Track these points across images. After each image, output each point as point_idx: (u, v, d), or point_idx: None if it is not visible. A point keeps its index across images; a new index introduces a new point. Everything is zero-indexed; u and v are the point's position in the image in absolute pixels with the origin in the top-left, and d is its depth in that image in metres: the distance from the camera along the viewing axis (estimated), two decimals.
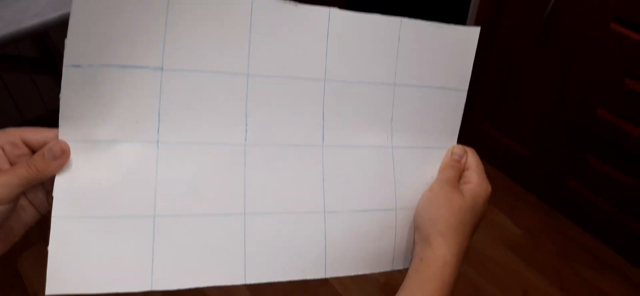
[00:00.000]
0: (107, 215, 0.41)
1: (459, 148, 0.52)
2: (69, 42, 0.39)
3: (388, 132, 0.50)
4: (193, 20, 0.42)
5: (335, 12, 0.46)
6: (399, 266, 0.50)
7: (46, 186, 0.41)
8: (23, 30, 1.04)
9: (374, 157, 0.49)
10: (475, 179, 0.50)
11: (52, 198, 0.40)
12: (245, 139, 0.45)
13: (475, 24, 1.52)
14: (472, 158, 0.52)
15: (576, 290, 1.49)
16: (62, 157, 0.39)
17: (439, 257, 0.44)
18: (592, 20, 1.24)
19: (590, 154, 1.45)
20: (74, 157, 0.40)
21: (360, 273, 0.48)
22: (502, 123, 1.66)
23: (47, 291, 0.38)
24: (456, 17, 1.54)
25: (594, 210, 1.53)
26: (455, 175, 0.50)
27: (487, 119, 1.70)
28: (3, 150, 0.38)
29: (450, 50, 0.50)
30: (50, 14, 0.94)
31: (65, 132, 0.40)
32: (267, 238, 0.45)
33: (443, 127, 0.52)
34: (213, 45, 0.43)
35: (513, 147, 1.66)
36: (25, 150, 0.40)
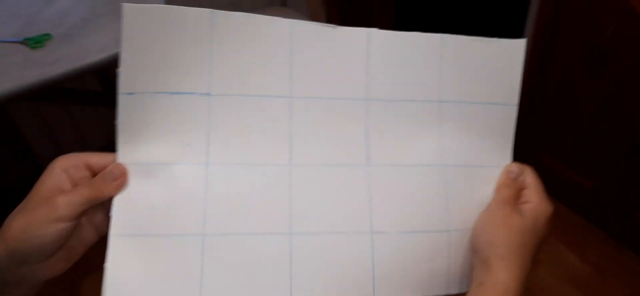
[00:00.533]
0: (160, 233, 0.43)
1: (516, 167, 0.49)
2: (122, 72, 0.42)
3: (436, 150, 0.49)
4: (236, 47, 0.44)
5: (374, 32, 0.47)
6: (454, 290, 0.48)
7: (105, 207, 0.43)
8: (88, 66, 1.09)
9: (423, 176, 0.48)
10: (535, 198, 0.48)
11: (109, 219, 0.42)
12: (290, 160, 0.46)
13: (531, 52, 1.46)
14: (530, 177, 0.49)
15: None
16: (120, 178, 0.42)
17: (500, 282, 0.42)
18: None
19: None
20: (130, 178, 0.43)
21: None
22: (563, 155, 1.59)
23: None
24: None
25: None
26: (513, 194, 0.48)
27: (546, 151, 1.63)
28: (67, 173, 0.41)
29: (495, 65, 0.49)
30: (113, 50, 0.99)
31: (123, 156, 0.43)
32: (313, 258, 0.45)
33: (495, 144, 0.50)
34: (256, 69, 0.45)
35: (576, 179, 1.58)
36: (87, 173, 0.43)
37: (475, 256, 0.46)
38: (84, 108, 1.85)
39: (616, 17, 1.22)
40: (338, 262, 0.45)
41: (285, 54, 0.45)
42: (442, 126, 0.49)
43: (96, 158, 0.42)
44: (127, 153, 0.43)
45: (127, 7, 0.41)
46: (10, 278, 0.39)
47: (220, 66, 0.44)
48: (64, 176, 0.41)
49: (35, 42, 0.98)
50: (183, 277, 0.43)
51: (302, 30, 0.45)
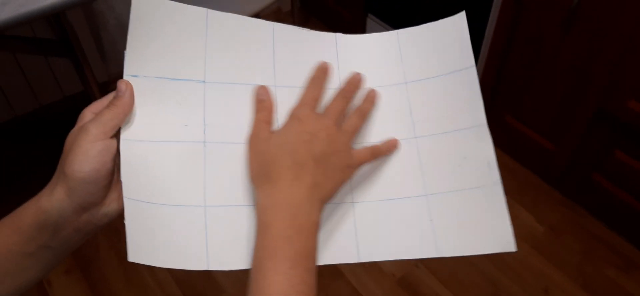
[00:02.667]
0: (166, 203, 0.47)
1: (262, 88, 0.52)
2: (128, 56, 0.47)
3: (409, 125, 0.53)
4: (227, 42, 0.51)
5: (340, 36, 0.54)
6: (444, 253, 0.50)
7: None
8: (38, 11, 1.03)
9: (400, 151, 0.53)
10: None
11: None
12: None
13: (500, 13, 1.46)
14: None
15: (599, 290, 1.44)
16: (127, 89, 0.46)
17: (257, 205, 0.46)
18: (623, 6, 1.19)
19: (618, 148, 1.40)
20: (132, 154, 0.46)
21: (396, 258, 0.50)
22: (525, 115, 1.61)
23: (129, 258, 0.44)
24: (480, 8, 1.49)
25: (620, 207, 1.48)
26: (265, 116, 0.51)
27: (509, 110, 1.65)
28: (95, 113, 0.46)
29: (446, 40, 0.54)
30: None
31: (126, 133, 0.46)
32: (371, 221, 0.51)
33: (466, 107, 0.53)
34: (245, 62, 0.51)
35: (536, 140, 1.61)
36: None
37: None
38: (36, 58, 1.75)
39: None
40: (397, 224, 0.51)
41: (269, 51, 0.52)
42: (411, 103, 0.54)
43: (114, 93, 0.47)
44: (130, 131, 0.46)
45: None
46: (68, 231, 0.43)
47: (213, 57, 0.50)
48: (90, 115, 0.45)
49: None
50: (191, 243, 0.47)
51: (284, 31, 0.53)
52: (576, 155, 1.52)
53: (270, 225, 0.43)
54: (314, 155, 0.46)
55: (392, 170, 0.53)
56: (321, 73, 0.52)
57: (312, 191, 0.45)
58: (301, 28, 0.54)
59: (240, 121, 0.51)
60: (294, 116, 0.49)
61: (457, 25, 0.54)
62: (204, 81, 0.50)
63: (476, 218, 0.51)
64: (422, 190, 0.52)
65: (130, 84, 0.47)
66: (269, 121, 0.50)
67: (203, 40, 0.50)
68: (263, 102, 0.51)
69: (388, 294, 1.37)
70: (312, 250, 0.43)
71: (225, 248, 0.48)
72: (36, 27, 1.70)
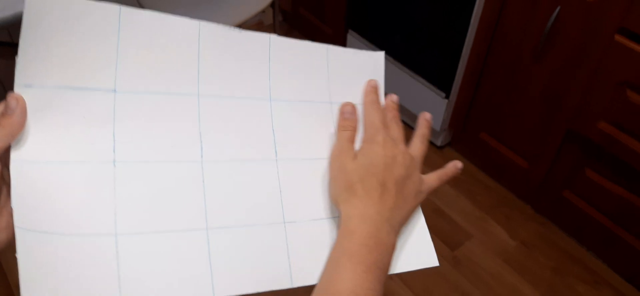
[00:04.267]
0: (66, 232, 0.40)
1: (349, 105, 0.53)
2: (20, 62, 0.39)
3: (330, 143, 0.52)
4: (144, 44, 0.44)
5: (274, 38, 0.50)
6: (298, 283, 0.47)
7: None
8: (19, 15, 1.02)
9: (260, 169, 0.50)
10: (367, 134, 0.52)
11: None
12: (202, 156, 0.46)
13: (476, 35, 1.50)
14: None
15: None
16: (18, 105, 0.39)
17: (344, 219, 0.46)
18: (595, 31, 1.23)
19: (589, 167, 1.44)
20: (27, 178, 0.39)
21: (250, 291, 0.46)
22: (499, 132, 1.65)
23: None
24: (459, 27, 1.53)
25: (590, 224, 1.51)
26: (349, 135, 0.51)
27: (485, 128, 1.68)
28: None
29: (366, 71, 0.55)
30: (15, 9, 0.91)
31: (18, 154, 0.39)
32: (231, 252, 0.45)
33: (325, 136, 0.53)
34: (164, 67, 0.45)
35: (510, 157, 1.65)
36: None
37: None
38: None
39: (561, 0, 1.27)
40: (256, 253, 0.46)
41: (193, 54, 0.46)
42: (334, 123, 0.53)
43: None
44: (24, 151, 0.39)
45: None
46: None
47: (126, 63, 0.43)
48: None
49: None
50: (97, 279, 0.40)
51: (210, 31, 0.47)
52: (549, 173, 1.55)
53: (354, 232, 0.44)
54: (395, 179, 0.47)
55: (322, 188, 0.50)
56: (376, 92, 0.54)
57: (393, 213, 0.46)
58: (232, 28, 0.48)
59: (157, 137, 0.44)
60: (374, 140, 0.49)
61: (376, 61, 0.56)
62: (115, 90, 0.43)
63: (322, 248, 0.49)
64: (280, 217, 0.49)
65: (21, 99, 0.39)
66: (353, 140, 0.50)
67: (114, 41, 0.43)
68: (348, 120, 0.51)
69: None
70: (386, 266, 0.44)
71: (142, 281, 0.41)
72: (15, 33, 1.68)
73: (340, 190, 0.47)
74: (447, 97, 1.67)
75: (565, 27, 1.28)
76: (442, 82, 1.67)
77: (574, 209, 1.54)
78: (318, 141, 0.52)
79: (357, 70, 0.55)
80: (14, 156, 0.39)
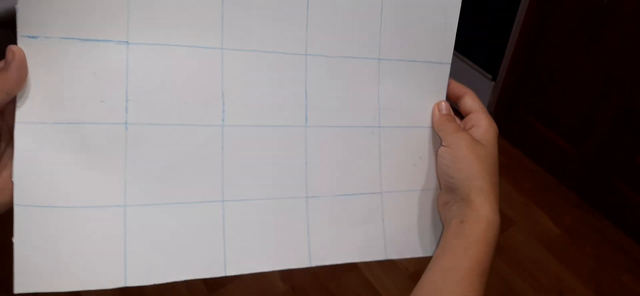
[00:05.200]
0: (72, 204, 0.37)
1: (444, 102, 0.49)
2: (21, 10, 0.35)
3: (374, 110, 0.47)
4: None
5: None
6: (392, 255, 0.47)
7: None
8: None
9: (359, 138, 0.46)
10: (483, 120, 0.47)
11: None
12: (223, 120, 0.42)
13: (528, 9, 1.45)
14: (474, 102, 0.48)
15: (613, 295, 1.44)
16: (15, 59, 0.35)
17: (483, 218, 0.42)
18: None
19: None
20: (33, 140, 0.37)
21: (348, 261, 0.45)
22: (546, 116, 1.60)
23: (15, 289, 0.36)
24: (508, 4, 1.48)
25: (638, 213, 1.47)
26: (458, 125, 0.47)
27: (530, 111, 1.64)
28: None
29: (433, 21, 0.47)
30: None
31: (23, 114, 0.36)
32: (247, 227, 0.42)
33: (429, 104, 0.49)
34: (183, 16, 0.40)
35: (556, 141, 1.60)
36: None
37: (451, 195, 0.46)
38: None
39: None
40: (273, 230, 0.43)
41: (216, 2, 0.40)
42: (380, 85, 0.46)
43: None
44: (27, 112, 0.36)
45: None
46: None
47: (141, 10, 0.38)
48: None
49: None
50: (103, 256, 0.38)
51: None
52: (596, 158, 1.51)
53: (487, 240, 0.42)
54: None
55: (351, 161, 0.46)
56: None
57: None
58: None
59: (174, 96, 0.40)
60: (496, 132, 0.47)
61: (450, 8, 0.47)
62: (128, 42, 0.38)
63: (420, 221, 0.48)
64: (378, 187, 0.47)
65: (21, 52, 0.36)
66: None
67: None
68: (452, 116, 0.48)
69: (400, 288, 1.39)
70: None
71: (149, 257, 0.39)
72: None
73: (480, 176, 0.43)
74: (494, 79, 1.63)
75: (621, 6, 1.23)
76: (489, 64, 1.63)
77: (622, 197, 1.49)
78: (356, 106, 0.46)
79: (422, 18, 0.47)
80: (19, 117, 0.36)
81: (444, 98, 0.49)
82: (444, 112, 0.48)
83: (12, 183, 0.37)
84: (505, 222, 1.59)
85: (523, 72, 1.59)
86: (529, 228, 1.58)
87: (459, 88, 0.49)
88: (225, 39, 0.41)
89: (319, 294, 1.35)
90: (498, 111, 1.73)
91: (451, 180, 0.45)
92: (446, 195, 0.46)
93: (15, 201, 0.36)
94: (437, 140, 0.48)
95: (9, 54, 0.35)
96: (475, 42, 1.64)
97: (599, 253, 1.53)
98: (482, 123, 0.47)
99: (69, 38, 0.37)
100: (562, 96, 1.51)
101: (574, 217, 1.61)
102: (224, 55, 0.41)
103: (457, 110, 0.50)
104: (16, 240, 0.36)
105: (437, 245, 0.46)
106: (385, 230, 0.47)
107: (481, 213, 0.42)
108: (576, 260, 1.51)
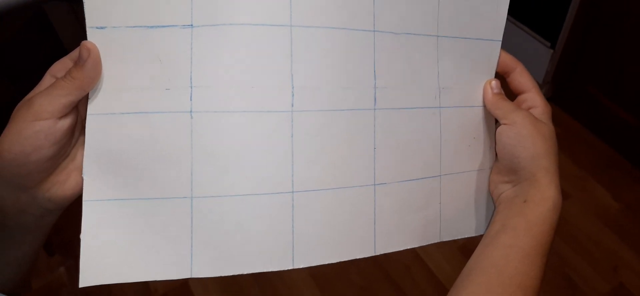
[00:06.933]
0: (140, 196, 0.38)
1: (495, 80, 0.47)
2: (88, 2, 0.36)
3: (434, 90, 0.45)
4: None
5: None
6: (447, 236, 0.47)
7: None
8: None
9: (422, 120, 0.45)
10: (539, 100, 0.46)
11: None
12: (292, 105, 0.39)
13: None
14: (525, 79, 0.47)
15: None
16: (90, 55, 0.36)
17: (549, 198, 0.41)
18: None
19: None
20: (103, 132, 0.37)
21: (408, 247, 0.45)
22: (608, 86, 1.53)
23: (80, 284, 0.37)
24: None
25: None
26: (515, 104, 0.46)
27: (591, 81, 1.56)
28: (55, 76, 0.38)
29: None
30: None
31: (94, 106, 0.37)
32: (316, 218, 0.41)
33: (481, 81, 0.48)
34: None
35: (620, 115, 1.53)
36: None
37: (515, 175, 0.44)
38: None
39: None
40: (342, 221, 0.42)
41: None
42: (439, 64, 0.45)
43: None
44: (97, 103, 0.37)
45: None
46: (11, 211, 0.37)
47: None
48: (50, 80, 0.37)
49: None
50: (171, 246, 0.38)
51: None
52: None
53: (549, 222, 0.42)
54: None
55: (415, 144, 0.45)
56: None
57: None
58: None
59: (240, 80, 0.38)
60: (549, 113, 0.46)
61: None
62: (192, 25, 0.37)
63: (474, 201, 0.48)
64: (438, 170, 0.46)
65: (95, 48, 0.36)
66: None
67: None
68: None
69: (449, 260, 1.38)
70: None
71: (217, 249, 0.39)
72: None
73: (544, 156, 0.43)
74: (552, 47, 1.56)
75: None
76: (547, 31, 1.56)
77: None
78: (419, 86, 0.44)
79: None
80: (90, 109, 0.37)
81: (494, 76, 0.48)
82: (496, 90, 0.47)
83: (80, 177, 0.38)
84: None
85: (583, 40, 1.51)
86: (586, 203, 1.52)
87: (509, 61, 0.48)
88: (294, 15, 0.39)
89: (369, 265, 1.36)
90: (557, 80, 1.66)
91: (516, 160, 0.44)
92: (505, 174, 0.46)
93: (85, 196, 0.37)
94: (490, 119, 0.48)
95: (83, 51, 0.36)
96: (534, 8, 1.57)
97: None
98: (538, 103, 0.46)
99: (135, 26, 0.37)
100: (625, 65, 1.43)
101: (636, 193, 1.54)
102: (292, 33, 0.39)
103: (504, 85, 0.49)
104: (84, 235, 0.37)
105: (489, 224, 0.45)
106: (441, 213, 0.47)
107: (547, 194, 0.41)
108: (635, 236, 1.45)
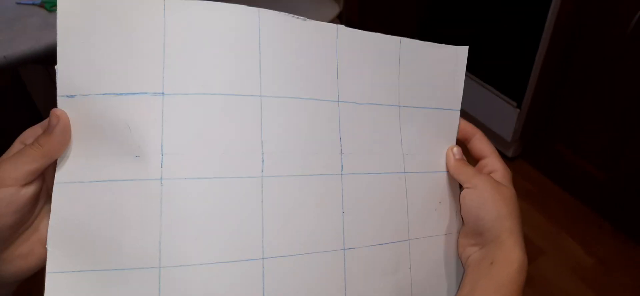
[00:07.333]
0: (107, 267, 0.36)
1: (456, 147, 0.50)
2: (60, 70, 0.36)
3: (399, 156, 0.47)
4: (194, 39, 0.38)
5: (342, 28, 0.44)
6: None
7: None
8: None
9: (388, 185, 0.46)
10: (499, 165, 0.48)
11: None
12: (262, 170, 0.40)
13: (552, 33, 1.45)
14: (484, 145, 0.50)
15: None
16: (59, 122, 0.36)
17: (515, 260, 0.42)
18: None
19: None
20: (70, 201, 0.36)
21: None
22: (576, 143, 1.58)
23: None
24: (532, 30, 1.48)
25: None
26: (475, 170, 0.48)
27: (558, 138, 1.62)
28: (24, 143, 0.38)
29: (443, 69, 0.49)
30: None
31: (62, 175, 0.36)
32: (287, 284, 0.40)
33: (443, 148, 0.50)
34: (219, 64, 0.39)
35: (587, 170, 1.57)
36: None
37: (480, 237, 0.45)
38: None
39: None
40: (312, 286, 0.41)
41: (254, 46, 0.40)
42: (402, 131, 0.47)
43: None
44: (65, 171, 0.36)
45: None
46: None
47: (175, 60, 0.38)
48: (19, 146, 0.37)
49: (52, 5, 0.98)
50: None
51: (271, 20, 0.40)
52: (629, 185, 1.47)
53: (518, 282, 0.42)
54: None
55: (383, 209, 0.45)
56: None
57: None
58: (295, 16, 0.42)
59: (211, 147, 0.38)
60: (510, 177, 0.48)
61: (458, 57, 0.50)
62: (163, 93, 0.37)
63: (443, 265, 0.48)
64: (406, 234, 0.46)
65: (65, 116, 0.36)
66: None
67: (160, 37, 0.38)
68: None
69: None
70: None
71: None
72: None
73: (507, 218, 0.44)
74: (518, 106, 1.62)
75: None
76: (513, 91, 1.62)
77: None
78: (384, 152, 0.46)
79: (434, 67, 0.49)
80: (58, 178, 0.36)
81: (455, 143, 0.50)
82: (458, 156, 0.49)
83: (43, 250, 0.37)
84: (535, 251, 1.55)
85: (548, 99, 1.57)
86: (560, 258, 1.54)
87: (469, 128, 0.51)
88: (264, 86, 0.40)
89: None
90: (524, 139, 1.71)
91: (480, 222, 0.45)
92: (471, 237, 0.47)
93: (49, 268, 0.35)
94: (455, 184, 0.49)
95: (53, 118, 0.36)
96: (499, 70, 1.64)
97: (634, 283, 1.47)
98: (498, 167, 0.48)
99: (105, 94, 0.36)
100: (592, 122, 1.49)
101: (608, 246, 1.56)
102: (262, 103, 0.40)
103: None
104: None
105: (459, 287, 0.45)
106: (412, 278, 0.47)
107: (513, 257, 0.42)
108: (611, 291, 1.46)
